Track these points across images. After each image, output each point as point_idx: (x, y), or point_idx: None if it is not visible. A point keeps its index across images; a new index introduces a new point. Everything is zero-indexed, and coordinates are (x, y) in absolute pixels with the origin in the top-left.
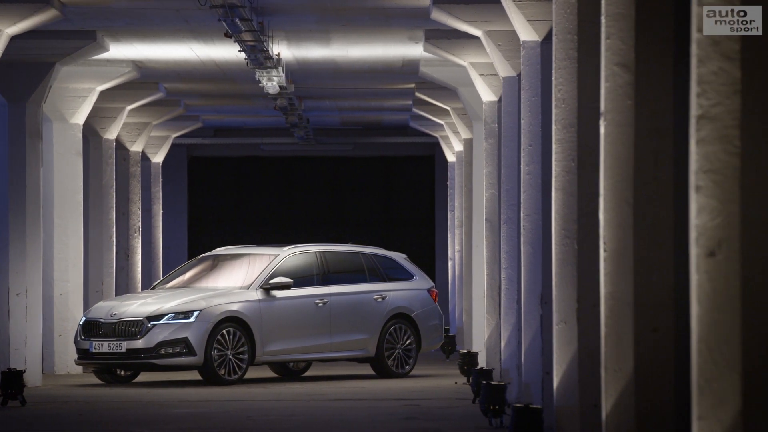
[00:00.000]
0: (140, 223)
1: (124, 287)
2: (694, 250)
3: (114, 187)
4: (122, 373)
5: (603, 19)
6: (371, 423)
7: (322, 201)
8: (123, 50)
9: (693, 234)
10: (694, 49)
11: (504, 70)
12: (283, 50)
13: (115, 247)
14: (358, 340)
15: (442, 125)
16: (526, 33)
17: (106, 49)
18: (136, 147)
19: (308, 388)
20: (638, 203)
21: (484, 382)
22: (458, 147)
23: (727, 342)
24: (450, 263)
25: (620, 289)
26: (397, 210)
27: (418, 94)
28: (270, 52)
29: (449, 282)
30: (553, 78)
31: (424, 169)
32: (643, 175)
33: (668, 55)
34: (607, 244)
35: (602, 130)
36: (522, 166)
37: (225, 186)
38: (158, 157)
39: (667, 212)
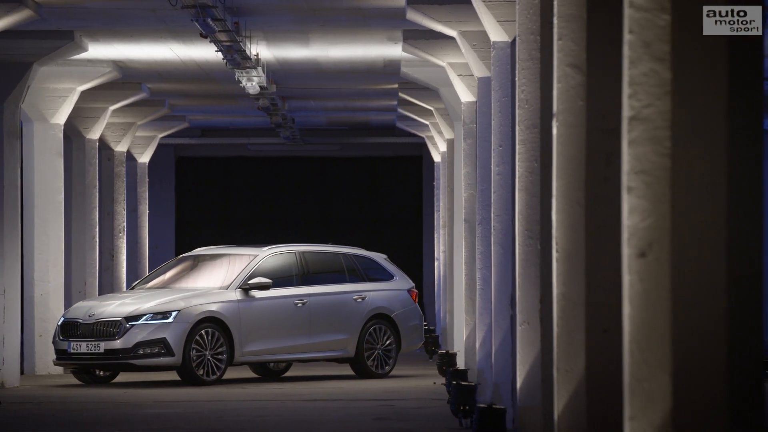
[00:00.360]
0: (125, 223)
1: (108, 287)
2: (625, 251)
3: (97, 187)
4: (101, 373)
5: (555, 20)
6: (342, 423)
7: (310, 201)
8: (102, 50)
9: (625, 235)
10: (625, 50)
11: (479, 70)
12: (262, 51)
13: (98, 247)
14: (337, 341)
15: (427, 125)
16: (496, 33)
17: (85, 49)
18: (120, 147)
19: (286, 388)
20: (589, 204)
21: (454, 382)
22: (443, 147)
23: (658, 342)
24: (436, 264)
25: (572, 289)
26: (385, 210)
27: (401, 95)
28: (248, 53)
29: (435, 283)
30: (516, 79)
31: (412, 169)
32: (594, 176)
33: (620, 56)
34: (558, 245)
35: (554, 131)
36: (492, 167)
37: (212, 186)
38: (144, 157)
39: (618, 213)
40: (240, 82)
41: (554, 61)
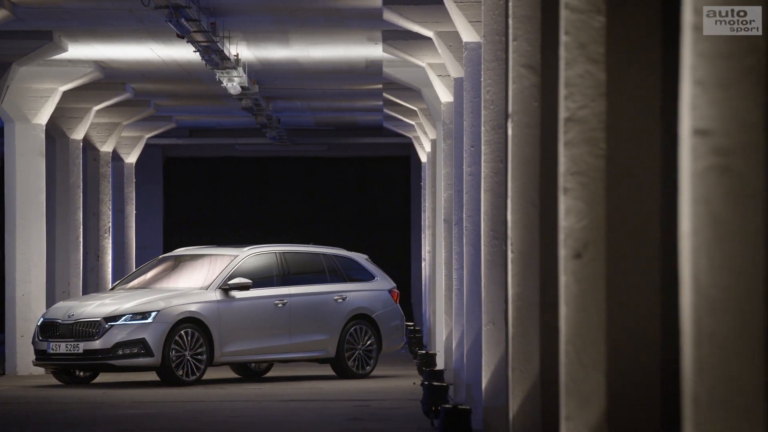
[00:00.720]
0: (111, 224)
1: (94, 288)
2: (562, 252)
3: (81, 187)
4: (81, 374)
5: (510, 21)
6: (316, 424)
7: (298, 201)
8: (83, 50)
9: (561, 236)
10: (561, 52)
11: (455, 71)
12: (243, 51)
13: (82, 247)
14: (318, 341)
15: (413, 126)
16: (468, 34)
17: (65, 50)
18: (106, 147)
19: (265, 389)
20: (544, 205)
21: (426, 382)
22: (428, 148)
23: (593, 343)
24: (423, 264)
25: (526, 290)
26: (373, 210)
27: (386, 95)
28: (227, 53)
29: (422, 283)
30: (482, 79)
31: (400, 169)
32: (548, 177)
33: None
34: (513, 245)
35: (509, 131)
36: (465, 167)
37: (201, 186)
38: (131, 158)
39: None
40: (221, 82)
41: (509, 62)
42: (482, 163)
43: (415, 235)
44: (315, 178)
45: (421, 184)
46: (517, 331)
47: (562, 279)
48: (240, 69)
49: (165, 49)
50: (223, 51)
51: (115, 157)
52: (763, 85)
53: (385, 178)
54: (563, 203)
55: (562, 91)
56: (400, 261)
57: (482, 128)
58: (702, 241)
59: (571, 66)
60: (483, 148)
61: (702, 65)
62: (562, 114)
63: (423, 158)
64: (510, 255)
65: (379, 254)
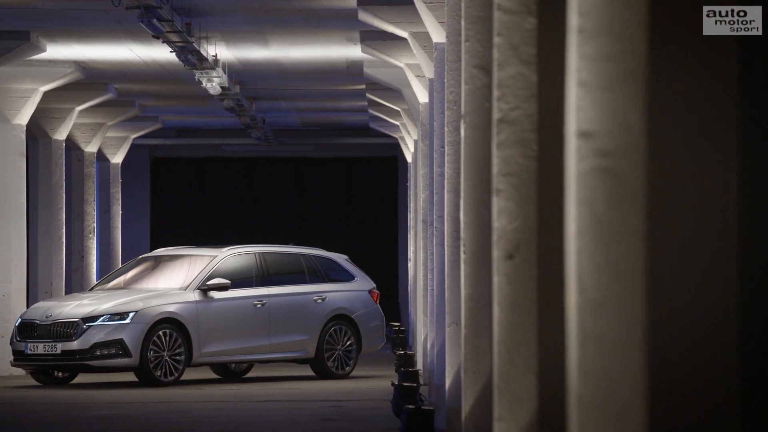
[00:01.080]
0: (95, 224)
1: (79, 288)
2: (494, 253)
3: (64, 187)
4: (59, 374)
5: (462, 22)
6: (287, 424)
7: (285, 201)
8: (62, 51)
9: (494, 237)
10: (494, 53)
11: (429, 71)
12: (222, 51)
13: (64, 248)
14: (297, 341)
15: (398, 126)
16: (437, 34)
17: (43, 50)
18: (91, 148)
19: (243, 389)
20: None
21: (395, 383)
22: (413, 148)
23: (525, 343)
24: (409, 264)
25: (478, 290)
26: (361, 210)
27: (369, 96)
28: (204, 53)
29: (408, 283)
30: (445, 80)
31: (388, 169)
32: None
33: None
34: (466, 246)
35: (462, 132)
36: (435, 168)
37: (188, 187)
38: (117, 158)
39: None
40: (200, 83)
41: (462, 63)
42: (445, 164)
43: (402, 236)
44: (302, 179)
45: (408, 184)
46: (470, 332)
47: (495, 280)
48: (219, 69)
49: (144, 50)
50: (200, 51)
51: (101, 157)
52: (645, 88)
53: (372, 178)
54: (496, 204)
55: (495, 93)
56: (388, 261)
57: (445, 129)
58: (585, 242)
59: (504, 67)
60: (446, 148)
61: (585, 67)
62: (495, 115)
63: (409, 158)
64: (462, 256)
65: (368, 254)
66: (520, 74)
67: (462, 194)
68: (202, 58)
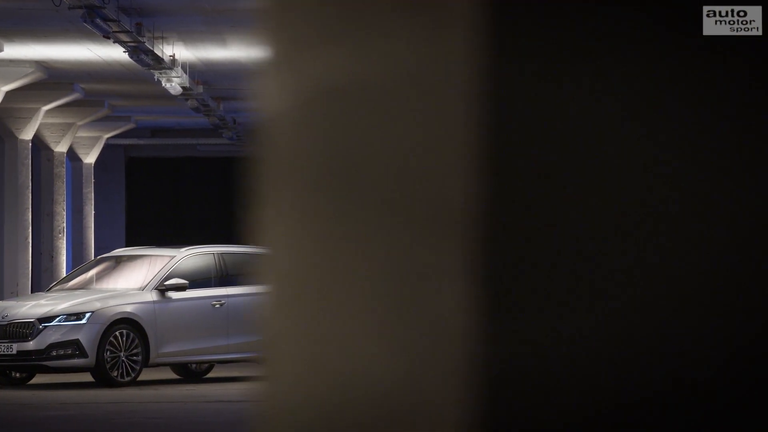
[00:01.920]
0: (67, 224)
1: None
2: None
3: (30, 187)
4: (17, 375)
5: None
6: (233, 424)
7: None
8: (21, 50)
9: None
10: None
11: None
12: (182, 52)
13: (31, 248)
14: (256, 342)
15: None
16: None
17: (0, 49)
18: (60, 147)
19: (199, 390)
20: None
21: None
22: None
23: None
24: None
25: None
26: None
27: None
28: (160, 53)
29: None
30: None
31: None
32: None
33: None
34: None
35: None
36: None
37: (163, 186)
38: (90, 158)
39: None
40: (161, 83)
41: None
42: None
43: None
44: None
45: None
46: None
47: None
48: (179, 69)
49: (103, 50)
50: (154, 51)
51: (74, 157)
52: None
53: None
54: None
55: None
56: None
57: None
58: None
59: None
60: None
61: None
62: None
63: None
64: None
65: None
66: None
67: None
68: (158, 59)
